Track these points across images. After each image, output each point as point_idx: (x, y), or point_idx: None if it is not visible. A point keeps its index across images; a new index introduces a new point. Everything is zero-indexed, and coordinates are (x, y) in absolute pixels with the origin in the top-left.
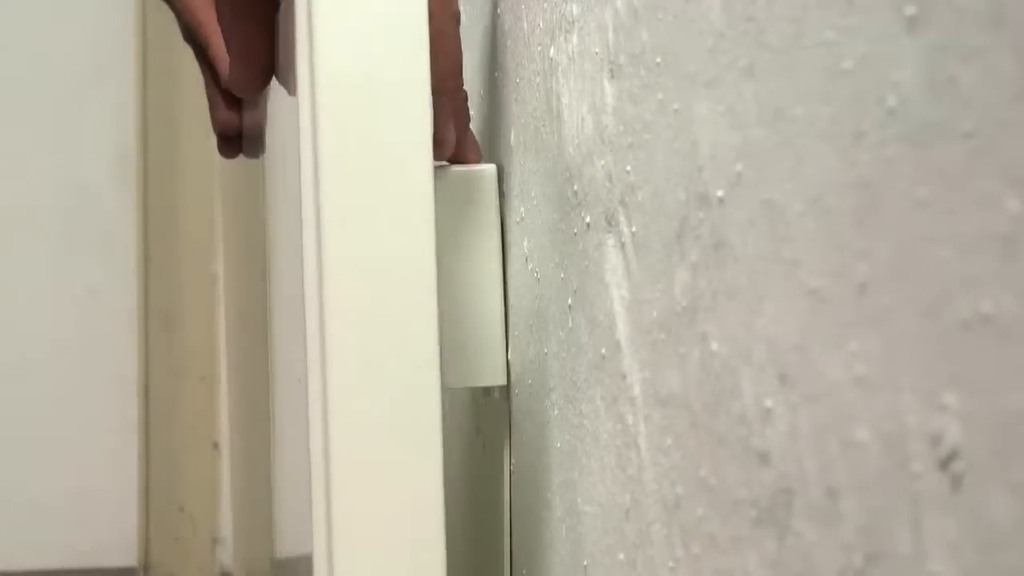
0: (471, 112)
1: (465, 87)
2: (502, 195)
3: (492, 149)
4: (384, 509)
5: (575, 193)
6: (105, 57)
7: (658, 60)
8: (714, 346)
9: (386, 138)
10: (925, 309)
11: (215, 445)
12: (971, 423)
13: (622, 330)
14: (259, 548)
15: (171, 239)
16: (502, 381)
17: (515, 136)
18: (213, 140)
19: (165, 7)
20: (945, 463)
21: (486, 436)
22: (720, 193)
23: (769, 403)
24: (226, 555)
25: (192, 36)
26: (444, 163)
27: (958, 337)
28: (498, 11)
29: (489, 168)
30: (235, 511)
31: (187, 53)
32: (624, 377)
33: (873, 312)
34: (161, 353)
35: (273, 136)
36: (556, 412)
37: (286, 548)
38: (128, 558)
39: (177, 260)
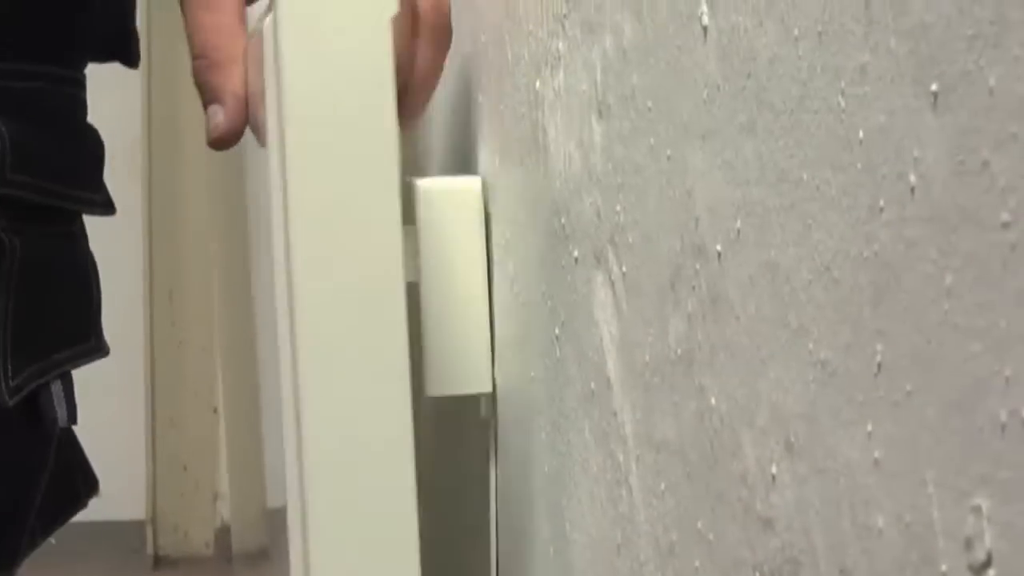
0: (455, 131)
1: (444, 105)
2: (487, 216)
3: (476, 167)
4: (359, 510)
5: (563, 226)
6: (113, 72)
7: (649, 105)
8: (712, 400)
9: (355, 154)
10: (954, 402)
11: (215, 410)
12: (1008, 532)
13: (612, 368)
14: (253, 502)
15: (173, 224)
16: (487, 389)
17: (499, 161)
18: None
19: (168, 5)
20: (978, 571)
21: (471, 451)
22: (718, 247)
23: (774, 470)
24: (225, 509)
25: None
26: (428, 177)
27: (992, 438)
28: (481, 39)
29: (475, 181)
30: (232, 470)
31: (188, 66)
32: (615, 414)
33: (892, 396)
34: (166, 326)
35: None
36: (543, 436)
37: (275, 500)
38: (137, 512)
39: (179, 242)
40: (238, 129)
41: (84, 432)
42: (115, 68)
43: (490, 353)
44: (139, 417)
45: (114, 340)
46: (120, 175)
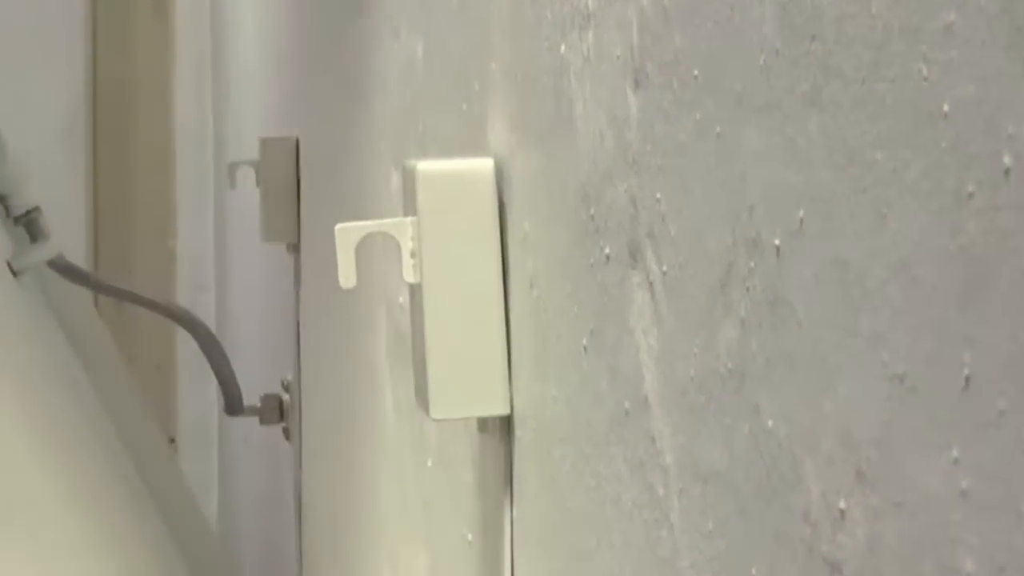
0: (462, 104)
1: (447, 72)
2: (501, 204)
3: (487, 147)
4: None
5: (592, 217)
6: (54, 27)
7: (695, 73)
8: (769, 423)
9: None
10: None
11: (172, 440)
12: None
13: (650, 385)
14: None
15: (123, 212)
16: (503, 410)
17: (516, 140)
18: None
19: None
20: None
21: (482, 480)
22: (777, 241)
23: (843, 504)
24: None
25: None
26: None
27: None
28: None
29: (485, 163)
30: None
31: (141, 21)
32: (653, 440)
33: (983, 414)
34: (115, 339)
35: None
36: (568, 467)
37: None
38: None
39: (131, 235)
40: None
41: None
42: (52, 37)
43: (506, 368)
44: None
45: None
46: (56, 157)
